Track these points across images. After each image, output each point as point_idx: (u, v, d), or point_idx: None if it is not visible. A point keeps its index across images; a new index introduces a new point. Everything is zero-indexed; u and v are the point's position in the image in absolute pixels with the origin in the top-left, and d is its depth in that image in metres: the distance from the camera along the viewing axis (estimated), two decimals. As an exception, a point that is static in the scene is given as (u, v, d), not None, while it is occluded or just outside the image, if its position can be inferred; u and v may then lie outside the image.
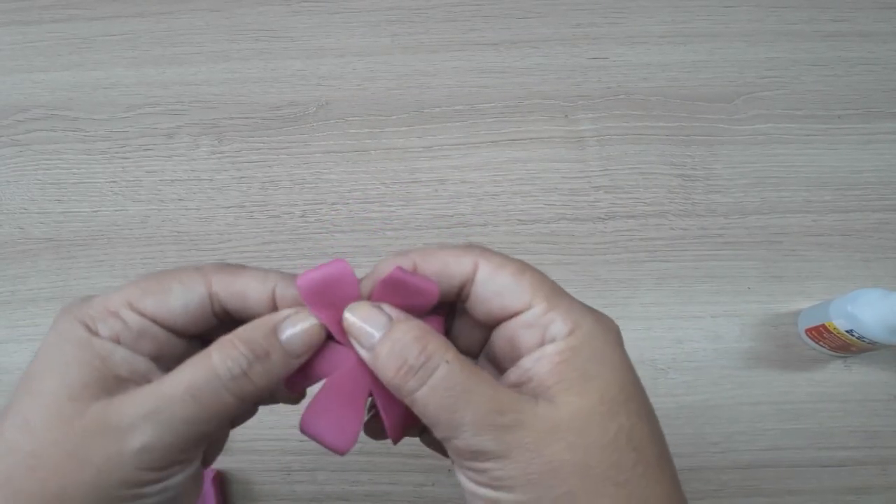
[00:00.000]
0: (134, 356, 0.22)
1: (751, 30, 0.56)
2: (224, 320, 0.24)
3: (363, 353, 0.23)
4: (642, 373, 0.49)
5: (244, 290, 0.23)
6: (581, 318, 0.23)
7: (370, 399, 0.26)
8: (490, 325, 0.25)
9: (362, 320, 0.23)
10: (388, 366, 0.22)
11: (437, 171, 0.53)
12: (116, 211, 0.53)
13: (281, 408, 0.49)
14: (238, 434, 0.48)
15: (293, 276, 0.24)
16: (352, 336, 0.23)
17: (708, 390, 0.47)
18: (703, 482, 0.45)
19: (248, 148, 0.54)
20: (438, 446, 0.25)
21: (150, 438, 0.20)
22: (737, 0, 0.57)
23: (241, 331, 0.22)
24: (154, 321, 0.23)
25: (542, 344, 0.23)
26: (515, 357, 0.23)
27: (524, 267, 0.24)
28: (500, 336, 0.24)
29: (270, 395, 0.26)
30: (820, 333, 0.45)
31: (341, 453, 0.26)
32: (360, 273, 0.25)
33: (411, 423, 0.26)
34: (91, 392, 0.21)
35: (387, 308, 0.23)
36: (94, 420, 0.21)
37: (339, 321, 0.24)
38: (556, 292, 0.23)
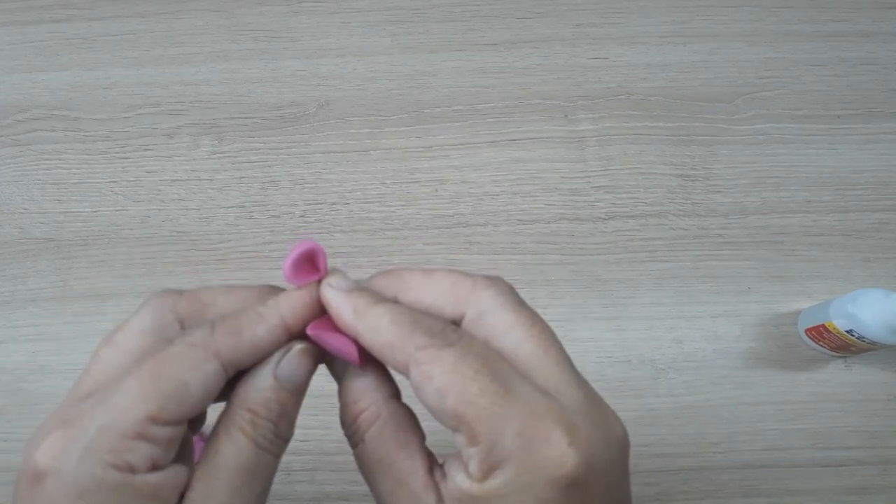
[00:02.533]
0: (178, 478, 0.21)
1: (751, 30, 0.56)
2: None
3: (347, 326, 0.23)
4: (642, 373, 0.50)
5: (254, 341, 0.22)
6: (503, 461, 0.19)
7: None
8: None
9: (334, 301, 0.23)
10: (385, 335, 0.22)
11: (437, 171, 0.53)
12: (116, 211, 0.53)
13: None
14: (238, 434, 0.48)
15: (288, 294, 0.23)
16: (334, 309, 0.23)
17: (708, 390, 0.47)
18: (703, 482, 0.45)
19: (248, 148, 0.54)
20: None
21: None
22: (737, 0, 0.57)
23: (248, 396, 0.22)
24: (184, 423, 0.21)
25: (461, 472, 0.21)
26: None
27: (455, 379, 0.20)
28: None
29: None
30: (820, 334, 0.45)
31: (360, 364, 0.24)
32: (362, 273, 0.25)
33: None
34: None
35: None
36: None
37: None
38: (491, 415, 0.19)
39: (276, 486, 0.46)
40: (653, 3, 0.57)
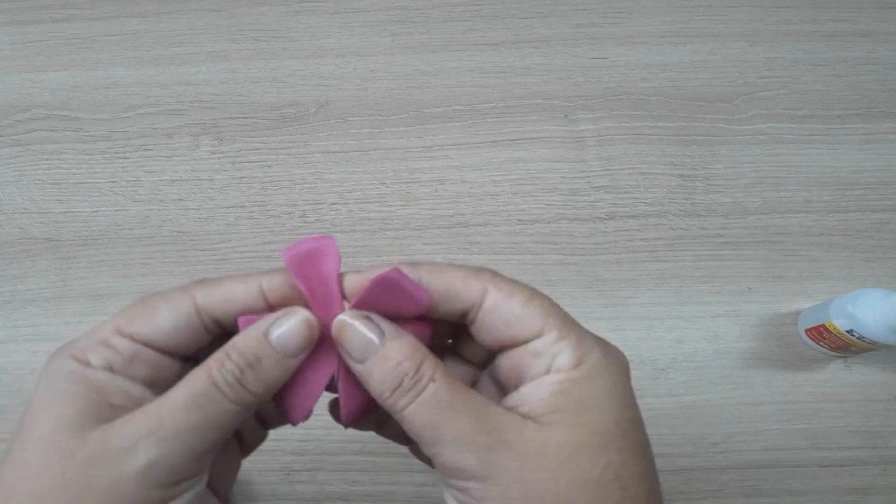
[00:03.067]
0: (128, 383, 0.22)
1: (751, 30, 0.56)
2: (218, 335, 0.24)
3: (354, 365, 0.22)
4: (642, 373, 0.50)
5: (228, 295, 0.23)
6: (589, 350, 0.23)
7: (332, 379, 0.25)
8: (496, 350, 0.24)
9: (353, 333, 0.22)
10: (382, 384, 0.22)
11: (437, 171, 0.53)
12: (116, 211, 0.53)
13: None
14: (238, 434, 0.48)
15: (275, 270, 0.23)
16: (342, 346, 0.23)
17: (708, 390, 0.47)
18: (704, 482, 0.45)
19: (248, 148, 0.54)
20: (425, 457, 0.24)
21: (154, 454, 0.20)
22: (737, 0, 0.57)
23: (234, 339, 0.22)
24: (145, 344, 0.22)
25: (542, 369, 0.22)
26: (519, 383, 0.23)
27: (534, 294, 0.24)
28: (506, 360, 0.24)
29: (279, 413, 0.25)
30: (820, 334, 0.45)
31: (293, 423, 0.25)
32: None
33: (368, 412, 0.25)
34: (88, 422, 0.21)
35: (377, 319, 0.23)
36: (94, 447, 0.20)
37: (321, 296, 0.24)
38: (566, 322, 0.24)
39: (276, 485, 0.46)
40: (653, 3, 0.57)
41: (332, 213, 0.52)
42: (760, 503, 0.45)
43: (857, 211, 0.51)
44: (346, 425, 0.26)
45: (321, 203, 0.53)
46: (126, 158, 0.55)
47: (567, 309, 0.51)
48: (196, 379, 0.21)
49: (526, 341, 0.23)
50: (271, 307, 0.23)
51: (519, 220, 0.51)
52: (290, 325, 0.22)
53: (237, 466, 0.27)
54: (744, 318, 0.49)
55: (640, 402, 0.48)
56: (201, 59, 0.57)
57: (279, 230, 0.52)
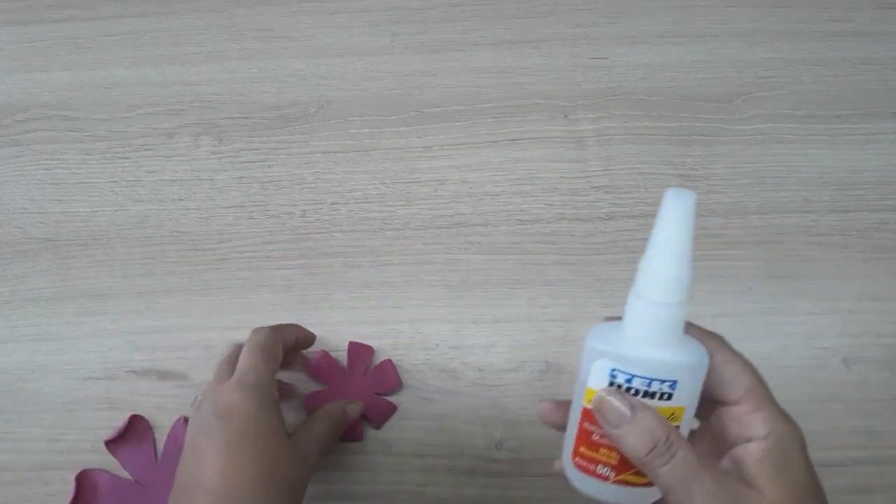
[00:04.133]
0: (284, 409, 0.41)
1: (751, 30, 0.56)
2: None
3: (610, 430, 0.28)
4: (642, 373, 0.49)
5: (286, 337, 0.43)
6: (776, 424, 0.29)
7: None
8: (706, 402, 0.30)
9: (610, 406, 0.28)
10: (638, 446, 0.28)
11: (437, 171, 0.53)
12: (116, 211, 0.53)
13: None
14: (238, 434, 0.48)
15: (301, 329, 0.46)
16: (600, 415, 0.29)
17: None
18: (703, 482, 0.45)
19: (248, 148, 0.54)
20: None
21: (316, 459, 0.40)
22: (737, 0, 0.57)
23: (340, 406, 0.44)
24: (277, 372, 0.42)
25: (742, 437, 0.29)
26: (720, 438, 0.30)
27: (746, 367, 0.31)
28: (714, 417, 0.31)
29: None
30: (588, 437, 0.30)
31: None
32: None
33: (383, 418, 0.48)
34: (284, 434, 0.38)
35: (628, 396, 0.29)
36: (296, 447, 0.39)
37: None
38: (762, 397, 0.30)
39: (276, 486, 0.46)
40: (653, 3, 0.57)
41: (332, 213, 0.52)
42: (760, 503, 0.45)
43: (856, 211, 0.51)
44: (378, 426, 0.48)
45: (321, 203, 0.53)
46: (126, 158, 0.55)
47: (567, 309, 0.52)
48: (325, 419, 0.42)
49: (728, 403, 0.30)
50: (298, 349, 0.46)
51: (519, 220, 0.51)
52: (357, 408, 0.45)
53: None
54: (744, 318, 0.49)
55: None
56: (201, 59, 0.57)
57: (279, 230, 0.52)
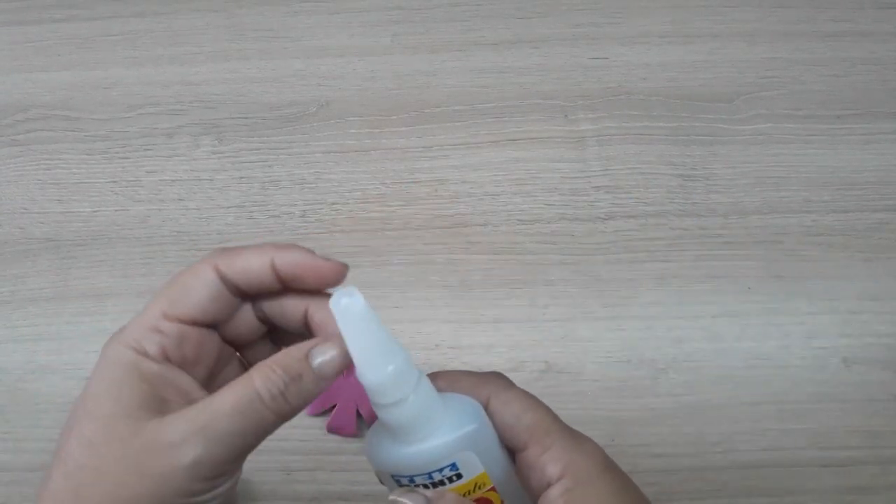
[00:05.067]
0: (177, 374, 0.25)
1: (751, 30, 0.56)
2: (244, 298, 0.27)
3: None
4: (642, 373, 0.50)
5: (245, 266, 0.26)
6: (569, 456, 0.26)
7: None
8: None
9: (407, 500, 0.26)
10: None
11: (437, 171, 0.53)
12: (116, 211, 0.53)
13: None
14: (238, 434, 0.48)
15: (288, 246, 0.27)
16: None
17: (708, 390, 0.47)
18: (704, 482, 0.45)
19: (249, 148, 0.54)
20: None
21: (200, 452, 0.23)
22: (737, 0, 0.57)
23: (278, 356, 0.25)
24: (190, 323, 0.25)
25: (542, 484, 0.26)
26: (527, 491, 0.28)
27: (527, 407, 0.28)
28: (518, 469, 0.28)
29: None
30: None
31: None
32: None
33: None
34: (143, 413, 0.24)
35: (420, 490, 0.27)
36: (150, 437, 0.23)
37: None
38: (549, 433, 0.27)
39: (276, 485, 0.46)
40: (653, 3, 0.57)
41: (332, 213, 0.52)
42: (760, 503, 0.45)
43: (857, 211, 0.51)
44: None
45: (321, 203, 0.53)
46: (126, 158, 0.55)
47: (567, 309, 0.51)
48: (241, 388, 0.24)
49: (518, 451, 0.27)
50: (281, 280, 0.26)
51: (519, 220, 0.52)
52: (332, 356, 0.25)
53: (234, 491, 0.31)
54: (744, 318, 0.49)
55: (640, 402, 0.48)
56: (201, 59, 0.57)
57: (279, 230, 0.52)
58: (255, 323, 0.28)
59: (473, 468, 0.26)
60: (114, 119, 0.56)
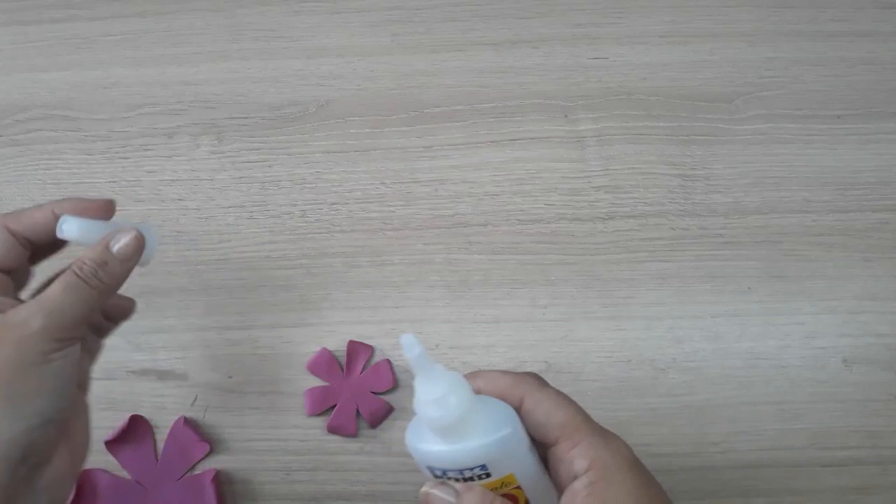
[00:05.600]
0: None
1: (751, 30, 0.56)
2: (31, 247, 0.35)
3: None
4: (642, 373, 0.50)
5: (31, 220, 0.34)
6: (596, 451, 0.29)
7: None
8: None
9: (435, 499, 0.29)
10: None
11: (437, 171, 0.53)
12: (117, 211, 0.53)
13: (281, 407, 0.49)
14: (238, 434, 0.48)
15: (66, 199, 0.35)
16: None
17: (708, 390, 0.47)
18: (704, 482, 0.45)
19: (248, 148, 0.54)
20: None
21: (45, 320, 0.30)
22: (737, 0, 0.57)
23: (87, 251, 0.33)
24: None
25: (569, 477, 0.29)
26: (556, 480, 0.30)
27: (559, 404, 0.30)
28: (548, 464, 0.31)
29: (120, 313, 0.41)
30: None
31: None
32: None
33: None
34: None
35: (451, 483, 0.29)
36: (5, 320, 0.30)
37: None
38: (579, 429, 0.29)
39: (276, 485, 0.46)
40: (653, 2, 0.57)
41: (332, 213, 0.52)
42: (760, 503, 0.45)
43: (856, 211, 0.51)
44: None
45: (321, 203, 0.53)
46: (126, 158, 0.55)
47: (567, 309, 0.51)
48: (65, 276, 0.32)
49: (549, 446, 0.30)
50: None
51: (519, 219, 0.52)
52: (126, 240, 0.34)
53: (87, 365, 0.38)
54: (744, 318, 0.49)
55: (640, 401, 0.47)
56: (201, 59, 0.57)
57: (279, 230, 0.52)
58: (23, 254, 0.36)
59: (502, 469, 0.29)
60: (114, 119, 0.56)
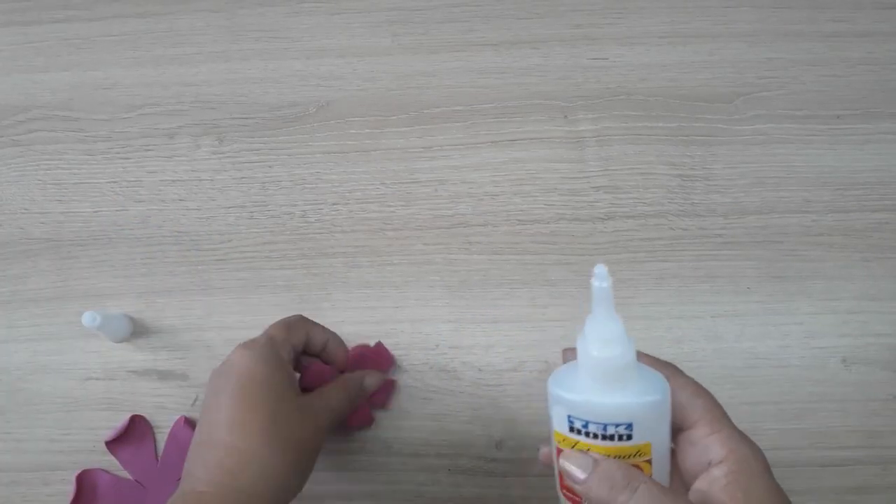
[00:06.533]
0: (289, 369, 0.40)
1: (751, 30, 0.56)
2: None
3: (577, 487, 0.29)
4: (642, 373, 0.49)
5: (314, 337, 0.43)
6: (736, 444, 0.29)
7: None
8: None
9: (571, 467, 0.29)
10: (601, 493, 0.28)
11: (437, 171, 0.53)
12: (117, 211, 0.53)
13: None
14: (238, 434, 0.48)
15: (337, 338, 0.45)
16: (566, 473, 0.30)
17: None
18: (703, 482, 0.45)
19: (249, 148, 0.55)
20: None
21: (330, 418, 0.40)
22: (737, 0, 0.57)
23: (359, 376, 0.44)
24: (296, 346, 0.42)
25: (702, 462, 0.29)
26: (684, 467, 0.31)
27: (700, 391, 0.31)
28: (676, 446, 0.31)
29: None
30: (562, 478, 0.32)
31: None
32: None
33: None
34: (294, 389, 0.39)
35: (591, 453, 0.29)
36: (304, 403, 0.39)
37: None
38: (719, 419, 0.30)
39: (277, 485, 0.46)
40: (653, 3, 0.57)
41: (333, 213, 0.52)
42: (760, 503, 0.45)
43: (856, 211, 0.51)
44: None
45: (321, 203, 0.53)
46: (127, 159, 0.55)
47: (567, 309, 0.52)
48: (341, 386, 0.42)
49: (683, 429, 0.30)
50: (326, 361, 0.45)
51: (518, 220, 0.52)
52: (372, 381, 0.45)
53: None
54: (744, 318, 0.49)
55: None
56: (201, 59, 0.57)
57: (279, 230, 0.52)
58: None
59: (644, 434, 0.29)
60: (114, 119, 0.56)
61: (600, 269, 0.27)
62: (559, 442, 0.31)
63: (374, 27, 0.58)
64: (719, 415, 0.30)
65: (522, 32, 0.57)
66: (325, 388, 0.41)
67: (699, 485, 0.29)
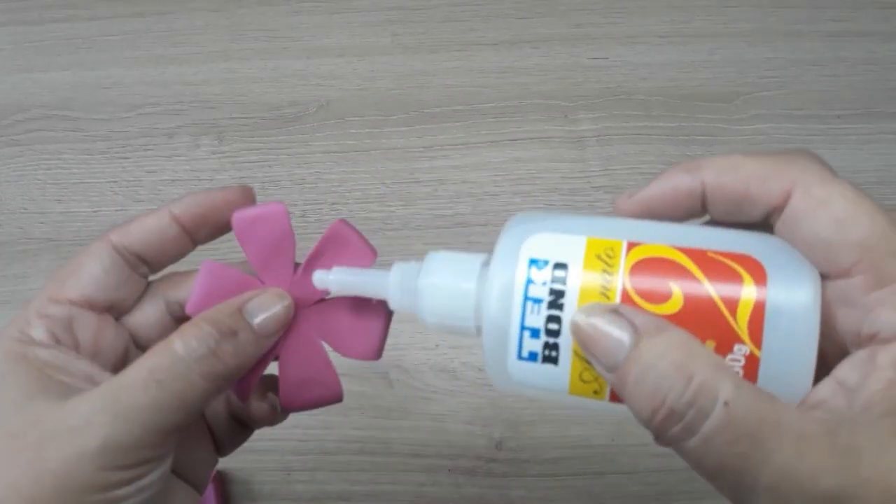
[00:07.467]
0: (73, 358, 0.21)
1: (751, 30, 0.56)
2: (146, 275, 0.25)
3: (604, 373, 0.18)
4: (642, 373, 0.49)
5: (142, 228, 0.24)
6: None
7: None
8: None
9: (599, 328, 0.17)
10: (641, 403, 0.17)
11: (437, 171, 0.53)
12: (117, 211, 0.53)
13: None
14: (238, 434, 0.48)
15: (182, 196, 0.24)
16: (585, 347, 0.18)
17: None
18: (704, 482, 0.45)
19: (249, 148, 0.54)
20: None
21: (109, 432, 0.18)
22: (737, 0, 0.57)
23: (205, 313, 0.21)
24: (82, 304, 0.22)
25: (853, 334, 0.17)
26: (830, 334, 0.18)
27: (856, 208, 0.17)
28: (824, 293, 0.18)
29: (248, 417, 0.26)
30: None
31: (243, 402, 0.25)
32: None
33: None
34: (37, 401, 0.19)
35: (627, 312, 0.17)
36: (47, 426, 0.19)
37: (264, 259, 0.26)
38: (892, 255, 0.17)
39: (276, 485, 0.46)
40: (653, 3, 0.57)
41: (333, 213, 0.52)
42: (760, 503, 0.45)
43: (856, 211, 0.51)
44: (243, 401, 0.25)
45: (321, 203, 0.53)
46: (126, 158, 0.55)
47: (567, 309, 0.50)
48: (157, 353, 0.20)
49: (829, 276, 0.17)
50: (185, 229, 0.24)
51: (519, 220, 0.51)
52: (275, 311, 0.22)
53: (212, 462, 0.26)
54: (744, 317, 0.49)
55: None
56: (201, 59, 0.57)
57: (279, 230, 0.52)
58: (165, 317, 0.24)
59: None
60: (114, 119, 0.56)
61: None
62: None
63: (374, 27, 0.58)
64: (893, 249, 0.17)
65: (522, 32, 0.57)
66: (121, 373, 0.20)
67: (843, 374, 0.17)
